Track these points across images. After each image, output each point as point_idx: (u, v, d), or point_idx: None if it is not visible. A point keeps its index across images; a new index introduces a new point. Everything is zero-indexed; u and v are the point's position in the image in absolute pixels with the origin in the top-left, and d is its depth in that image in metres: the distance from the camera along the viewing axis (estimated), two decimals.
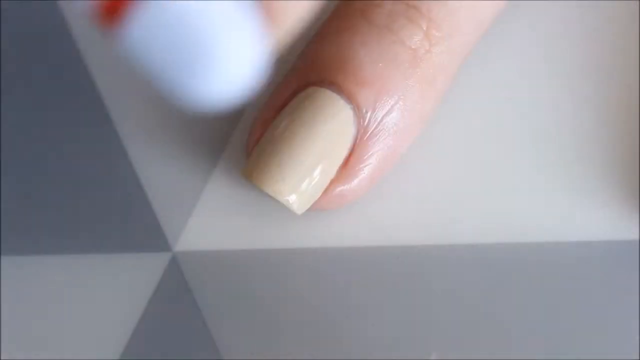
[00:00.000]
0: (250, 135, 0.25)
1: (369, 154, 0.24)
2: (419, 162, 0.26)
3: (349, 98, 0.23)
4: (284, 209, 0.26)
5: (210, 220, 0.26)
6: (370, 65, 0.23)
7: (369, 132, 0.24)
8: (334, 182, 0.24)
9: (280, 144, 0.23)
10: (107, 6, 0.14)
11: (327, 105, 0.23)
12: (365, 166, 0.24)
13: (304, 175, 0.23)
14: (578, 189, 0.26)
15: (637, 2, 0.28)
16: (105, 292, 0.25)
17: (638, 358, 0.23)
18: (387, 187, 0.26)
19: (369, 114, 0.23)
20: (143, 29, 0.14)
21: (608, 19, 0.28)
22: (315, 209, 0.24)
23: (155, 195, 0.26)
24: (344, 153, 0.24)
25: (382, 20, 0.24)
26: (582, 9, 0.28)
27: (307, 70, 0.24)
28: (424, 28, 0.24)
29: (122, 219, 0.26)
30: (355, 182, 0.24)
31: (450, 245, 0.25)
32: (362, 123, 0.23)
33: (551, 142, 0.26)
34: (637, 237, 0.25)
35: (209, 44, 0.14)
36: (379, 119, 0.24)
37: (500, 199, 0.26)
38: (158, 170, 0.27)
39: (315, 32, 0.25)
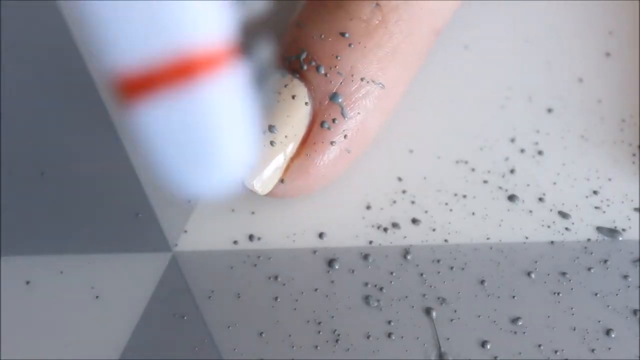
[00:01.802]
0: None
1: (324, 126, 0.24)
2: (420, 162, 0.26)
3: (302, 76, 0.24)
4: (282, 210, 0.26)
5: (210, 221, 0.26)
6: (320, 42, 0.24)
7: (324, 106, 0.24)
8: (293, 158, 0.24)
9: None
10: (128, 84, 0.15)
11: (281, 86, 0.24)
12: (323, 139, 0.24)
13: (261, 156, 0.23)
14: (578, 189, 0.26)
15: (637, 2, 0.29)
16: (105, 292, 0.25)
17: (638, 358, 0.23)
18: (384, 188, 0.26)
19: (320, 88, 0.24)
20: (152, 118, 0.15)
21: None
22: (286, 192, 0.24)
23: (156, 196, 0.26)
24: (302, 130, 0.24)
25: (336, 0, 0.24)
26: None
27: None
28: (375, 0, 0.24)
29: (122, 220, 0.26)
30: (315, 155, 0.24)
31: (449, 245, 0.25)
32: (315, 97, 0.24)
33: (551, 143, 0.26)
34: (637, 237, 0.25)
35: (211, 143, 0.15)
36: (330, 92, 0.24)
37: (500, 199, 0.26)
38: (159, 172, 0.27)
39: None
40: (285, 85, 0.24)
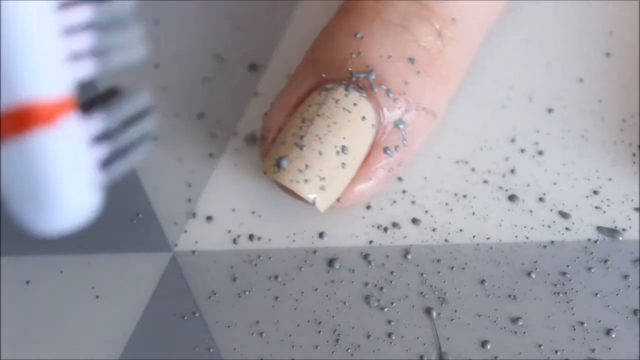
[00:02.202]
0: (265, 132, 0.25)
1: (387, 152, 0.24)
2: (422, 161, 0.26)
3: (370, 96, 0.23)
4: (282, 210, 0.26)
5: (210, 221, 0.26)
6: (390, 65, 0.23)
7: (388, 131, 0.24)
8: (354, 180, 0.24)
9: (304, 144, 0.23)
10: None
11: (349, 104, 0.23)
12: (383, 165, 0.24)
13: (327, 176, 0.23)
14: (578, 189, 0.26)
15: (637, 2, 0.29)
16: (105, 292, 0.25)
17: (638, 358, 0.23)
18: (384, 188, 0.26)
19: (388, 113, 0.24)
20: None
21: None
22: (336, 207, 0.24)
23: (156, 196, 0.26)
24: (364, 152, 0.24)
25: (398, 19, 0.24)
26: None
27: (323, 67, 0.24)
28: (437, 28, 0.24)
29: (122, 220, 0.26)
30: (373, 180, 0.24)
31: (449, 245, 0.25)
32: (381, 121, 0.24)
33: (551, 142, 0.26)
34: (637, 237, 0.25)
35: (50, 185, 0.17)
36: (396, 118, 0.24)
37: (500, 199, 0.26)
38: (159, 172, 0.27)
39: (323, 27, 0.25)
40: (355, 104, 0.23)
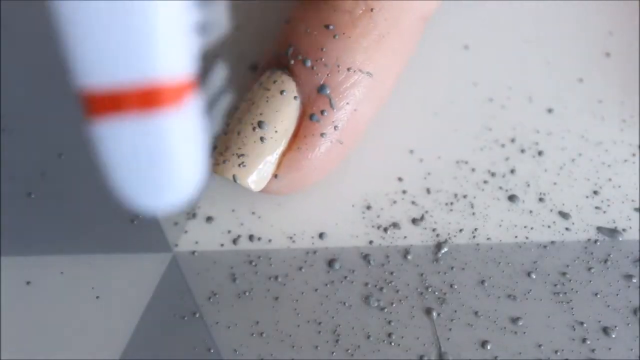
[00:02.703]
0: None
1: (314, 119, 0.24)
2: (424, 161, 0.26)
3: (290, 72, 0.24)
4: (282, 211, 0.26)
5: (210, 222, 0.26)
6: (306, 36, 0.24)
7: (312, 99, 0.24)
8: (285, 152, 0.24)
9: (227, 130, 0.24)
10: (91, 103, 0.17)
11: (269, 83, 0.24)
12: (312, 131, 0.24)
13: (245, 152, 0.23)
14: (578, 189, 0.26)
15: (637, 2, 0.29)
16: (105, 292, 0.25)
17: (638, 358, 0.23)
18: (384, 188, 0.26)
19: (306, 81, 0.24)
20: (113, 135, 0.17)
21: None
22: (281, 189, 0.24)
23: None
24: (290, 125, 0.24)
25: None
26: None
27: (265, 61, 0.25)
28: None
29: (122, 220, 0.26)
30: (306, 149, 0.24)
31: (449, 245, 0.25)
32: (304, 91, 0.24)
33: (551, 142, 0.26)
34: (637, 237, 0.25)
35: (168, 163, 0.17)
36: (317, 84, 0.24)
37: (500, 199, 0.26)
38: None
39: None
40: (274, 82, 0.24)
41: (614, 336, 0.24)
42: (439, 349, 0.24)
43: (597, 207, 0.25)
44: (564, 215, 0.25)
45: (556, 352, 0.23)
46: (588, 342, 0.24)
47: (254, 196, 0.26)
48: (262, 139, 0.23)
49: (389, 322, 0.24)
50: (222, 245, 0.26)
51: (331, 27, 0.24)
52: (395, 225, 0.25)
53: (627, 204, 0.25)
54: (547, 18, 0.28)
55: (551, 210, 0.25)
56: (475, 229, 0.25)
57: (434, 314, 0.24)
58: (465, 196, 0.26)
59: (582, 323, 0.24)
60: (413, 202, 0.26)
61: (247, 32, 0.29)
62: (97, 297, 0.25)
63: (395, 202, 0.26)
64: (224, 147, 0.24)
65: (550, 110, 0.27)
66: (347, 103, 0.24)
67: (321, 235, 0.25)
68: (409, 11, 0.25)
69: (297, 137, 0.24)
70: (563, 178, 0.26)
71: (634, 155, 0.26)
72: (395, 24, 0.24)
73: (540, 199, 0.26)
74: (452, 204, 0.26)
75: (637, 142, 0.26)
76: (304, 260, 0.25)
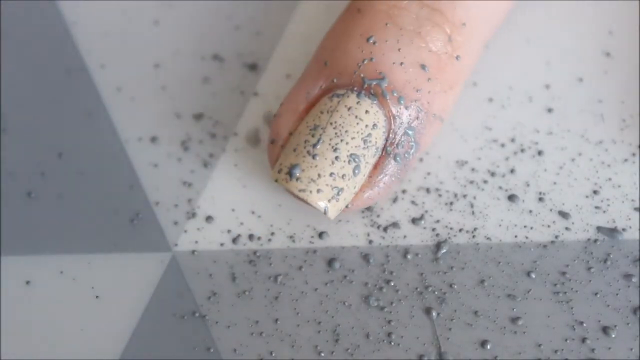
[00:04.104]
0: (275, 135, 0.24)
1: (397, 159, 0.24)
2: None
3: (381, 103, 0.23)
4: (282, 210, 0.26)
5: (210, 221, 0.26)
6: (402, 71, 0.23)
7: (398, 138, 0.24)
8: (363, 187, 0.24)
9: (316, 153, 0.23)
10: None
11: (361, 112, 0.23)
12: (393, 170, 0.24)
13: (339, 185, 0.23)
14: (578, 189, 0.26)
15: (637, 2, 0.29)
16: (105, 292, 0.25)
17: (638, 358, 0.23)
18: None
19: (399, 120, 0.23)
20: None
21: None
22: (343, 211, 0.24)
23: (156, 196, 0.26)
24: (375, 159, 0.24)
25: (410, 24, 0.23)
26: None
27: (335, 72, 0.24)
28: (448, 32, 0.24)
29: (122, 220, 0.26)
30: (383, 185, 0.24)
31: (449, 245, 0.25)
32: (392, 128, 0.23)
33: (551, 143, 0.26)
34: (637, 237, 0.25)
35: None
36: (407, 125, 0.24)
37: (500, 199, 0.26)
38: (159, 172, 0.27)
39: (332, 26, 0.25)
40: (366, 112, 0.23)
41: (613, 336, 0.24)
42: (439, 349, 0.24)
43: (597, 207, 0.25)
44: (563, 215, 0.25)
45: (556, 351, 0.23)
46: (588, 341, 0.24)
47: (254, 196, 0.26)
48: (354, 172, 0.23)
49: (389, 321, 0.24)
50: (222, 245, 0.26)
51: (427, 68, 0.23)
52: (395, 224, 0.25)
53: (626, 204, 0.25)
54: (547, 18, 0.28)
55: (551, 210, 0.25)
56: (475, 229, 0.25)
57: (434, 313, 0.24)
58: (465, 196, 0.26)
59: (581, 323, 0.24)
60: (413, 202, 0.26)
61: (247, 32, 0.29)
62: (97, 297, 0.25)
63: (395, 202, 0.26)
64: (315, 173, 0.23)
65: (550, 110, 0.27)
66: (423, 146, 0.24)
67: (321, 235, 0.25)
68: (479, 54, 0.25)
69: (376, 173, 0.24)
70: (563, 178, 0.26)
71: (634, 155, 0.26)
72: (467, 71, 0.25)
73: (540, 199, 0.26)
74: (452, 203, 0.26)
75: (637, 142, 0.26)
76: (304, 260, 0.25)
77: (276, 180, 0.23)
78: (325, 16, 0.26)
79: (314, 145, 0.23)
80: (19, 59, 0.29)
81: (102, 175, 0.27)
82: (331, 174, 0.23)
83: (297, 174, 0.23)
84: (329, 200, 0.23)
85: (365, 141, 0.23)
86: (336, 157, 0.23)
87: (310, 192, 0.23)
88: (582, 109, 0.27)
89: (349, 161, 0.23)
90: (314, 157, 0.23)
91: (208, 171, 0.27)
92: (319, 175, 0.23)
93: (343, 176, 0.23)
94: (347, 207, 0.24)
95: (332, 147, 0.23)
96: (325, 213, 0.23)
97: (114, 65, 0.29)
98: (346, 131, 0.23)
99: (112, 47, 0.29)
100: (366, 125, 0.23)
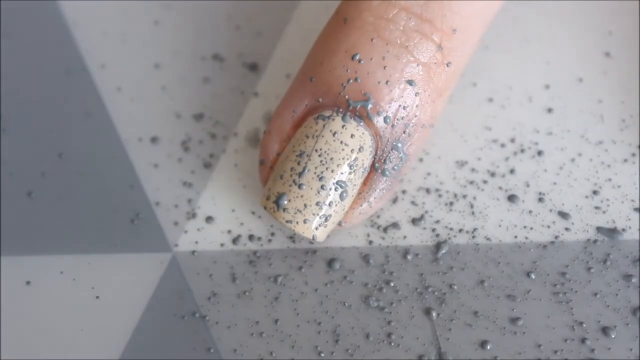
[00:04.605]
0: (264, 156, 0.24)
1: (387, 174, 0.24)
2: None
3: (368, 125, 0.23)
4: None
5: (210, 222, 0.26)
6: (387, 91, 0.23)
7: (386, 154, 0.23)
8: (354, 204, 0.24)
9: (302, 182, 0.23)
10: None
11: (346, 136, 0.23)
12: (383, 185, 0.24)
13: (326, 213, 0.23)
14: (578, 189, 0.26)
15: (637, 2, 0.29)
16: (105, 292, 0.25)
17: (638, 358, 0.23)
18: None
19: (386, 138, 0.23)
20: None
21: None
22: (336, 227, 0.24)
23: (156, 196, 0.26)
24: (363, 178, 0.23)
25: (397, 37, 0.23)
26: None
27: (320, 91, 0.23)
28: (437, 41, 0.23)
29: (122, 220, 0.26)
30: (373, 200, 0.24)
31: (449, 245, 0.25)
32: (379, 147, 0.23)
33: (551, 143, 0.26)
34: (637, 237, 0.25)
35: None
36: (394, 141, 0.23)
37: (500, 199, 0.26)
38: (159, 172, 0.27)
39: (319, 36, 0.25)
40: (352, 136, 0.23)
41: (613, 336, 0.24)
42: (439, 349, 0.24)
43: (596, 207, 0.25)
44: (563, 215, 0.25)
45: (556, 352, 0.23)
46: (587, 342, 0.24)
47: (254, 196, 0.26)
48: (341, 197, 0.23)
49: (389, 322, 0.24)
50: (222, 245, 0.26)
51: (414, 84, 0.23)
52: (395, 225, 0.25)
53: (626, 204, 0.25)
54: (547, 18, 0.28)
55: (551, 210, 0.25)
56: (475, 229, 0.25)
57: (434, 314, 0.24)
58: (465, 196, 0.26)
59: (581, 323, 0.24)
60: (413, 202, 0.26)
61: (247, 32, 0.29)
62: (97, 297, 0.25)
63: (395, 202, 0.26)
64: (301, 203, 0.23)
65: (550, 110, 0.27)
66: (413, 155, 0.24)
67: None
68: (467, 58, 0.25)
69: (366, 189, 0.24)
70: (563, 178, 0.26)
71: (633, 155, 0.26)
72: (458, 75, 0.24)
73: (540, 199, 0.26)
74: (451, 204, 0.26)
75: (637, 142, 0.26)
76: (304, 260, 0.25)
77: (265, 208, 0.23)
78: (325, 16, 0.26)
79: (300, 175, 0.23)
80: (19, 59, 0.29)
81: (102, 175, 0.27)
82: (317, 203, 0.23)
83: (284, 204, 0.23)
84: (316, 228, 0.23)
85: (351, 166, 0.23)
86: (322, 186, 0.23)
87: (297, 222, 0.23)
88: (582, 109, 0.27)
89: (335, 188, 0.23)
90: (299, 186, 0.23)
91: (208, 171, 0.27)
92: (305, 206, 0.23)
93: (330, 203, 0.23)
94: (340, 224, 0.24)
95: (318, 175, 0.23)
96: (314, 239, 0.23)
97: (114, 65, 0.29)
98: (331, 158, 0.23)
99: (112, 47, 0.29)
100: (352, 150, 0.23)
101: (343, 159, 0.23)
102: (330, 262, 0.25)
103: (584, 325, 0.24)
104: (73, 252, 0.26)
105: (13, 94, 0.28)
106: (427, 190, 0.26)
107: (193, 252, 0.25)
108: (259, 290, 0.25)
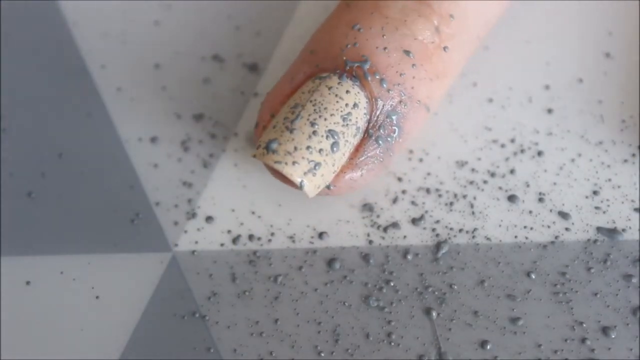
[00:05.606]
0: (259, 119, 0.24)
1: (379, 142, 0.24)
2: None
3: (363, 85, 0.23)
4: (282, 211, 0.26)
5: (210, 222, 0.26)
6: (385, 55, 0.24)
7: (380, 121, 0.24)
8: (344, 168, 0.24)
9: (294, 127, 0.23)
10: None
11: (342, 91, 0.23)
12: (374, 154, 0.24)
13: (316, 159, 0.23)
14: (578, 189, 0.26)
15: (637, 2, 0.29)
16: (105, 292, 0.25)
17: (638, 358, 0.23)
18: (384, 188, 0.26)
19: (381, 102, 0.24)
20: None
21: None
22: (325, 194, 0.24)
23: (156, 196, 0.26)
24: (355, 140, 0.23)
25: (396, 14, 0.24)
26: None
27: (319, 58, 0.24)
28: (435, 24, 0.24)
29: (122, 220, 0.26)
30: (364, 169, 0.24)
31: (449, 245, 0.25)
32: (374, 110, 0.24)
33: (551, 143, 0.26)
34: (637, 237, 0.25)
35: None
36: (389, 108, 0.24)
37: (500, 199, 0.26)
38: (159, 172, 0.27)
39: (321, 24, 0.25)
40: (347, 92, 0.23)
41: (613, 336, 0.24)
42: (439, 349, 0.24)
43: (596, 207, 0.25)
44: (563, 215, 0.25)
45: (556, 352, 0.23)
46: (588, 342, 0.24)
47: (254, 196, 0.26)
48: (332, 149, 0.23)
49: (389, 322, 0.24)
50: (222, 245, 0.26)
51: (411, 55, 0.24)
52: (395, 225, 0.25)
53: (626, 204, 0.25)
54: (547, 18, 0.28)
55: (551, 211, 0.25)
56: (475, 229, 0.25)
57: (434, 313, 0.24)
58: (465, 196, 0.26)
59: (581, 323, 0.24)
60: (413, 202, 0.26)
61: (247, 32, 0.29)
62: (97, 297, 0.25)
63: (395, 202, 0.26)
64: (291, 146, 0.23)
65: (550, 110, 0.27)
66: (407, 133, 0.24)
67: (321, 235, 0.25)
68: (471, 49, 0.25)
69: (357, 155, 0.24)
70: (563, 178, 0.26)
71: (633, 155, 0.26)
72: (458, 64, 0.25)
73: (540, 199, 0.26)
74: (452, 204, 0.26)
75: (636, 143, 0.26)
76: (304, 260, 0.25)
77: (254, 156, 0.23)
78: (325, 17, 0.26)
79: (292, 121, 0.23)
80: (19, 59, 0.29)
81: (102, 175, 0.27)
82: (308, 147, 0.23)
83: (274, 147, 0.23)
84: (304, 174, 0.23)
85: (344, 119, 0.23)
86: (314, 132, 0.23)
87: (286, 163, 0.22)
88: (582, 110, 0.27)
89: (327, 137, 0.23)
90: (291, 131, 0.23)
91: (208, 171, 0.27)
92: (295, 148, 0.23)
93: (320, 151, 0.23)
94: (329, 188, 0.24)
95: (310, 122, 0.23)
96: (301, 187, 0.23)
97: (114, 66, 0.29)
98: (325, 108, 0.23)
99: (112, 48, 0.29)
100: (346, 104, 0.23)
101: (337, 110, 0.23)
102: (330, 262, 0.25)
103: (584, 325, 0.24)
104: (73, 252, 0.26)
105: (13, 94, 0.28)
106: (427, 190, 0.26)
107: (193, 252, 0.25)
108: (259, 290, 0.25)
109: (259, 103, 0.28)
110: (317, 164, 0.23)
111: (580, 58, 0.28)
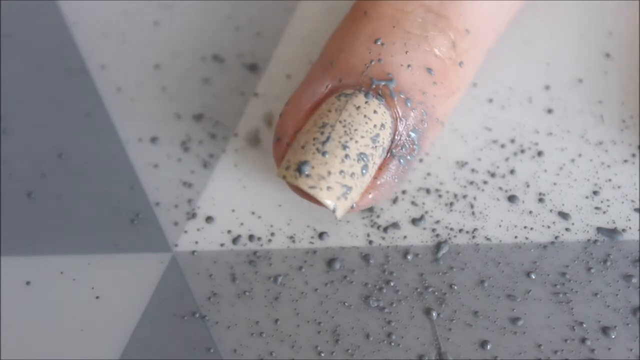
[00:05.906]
0: (280, 134, 0.24)
1: (401, 161, 0.24)
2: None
3: (389, 104, 0.23)
4: (282, 211, 0.26)
5: (210, 222, 0.26)
6: (409, 74, 0.23)
7: (403, 140, 0.24)
8: (369, 187, 0.24)
9: (326, 150, 0.22)
10: None
11: (369, 111, 0.23)
12: (397, 171, 0.24)
13: (348, 184, 0.23)
14: (578, 189, 0.26)
15: (637, 2, 0.29)
16: (105, 292, 0.25)
17: (638, 358, 0.23)
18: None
19: (404, 121, 0.23)
20: None
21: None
22: (349, 212, 0.24)
23: (156, 197, 0.26)
24: (380, 160, 0.23)
25: (416, 29, 0.24)
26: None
27: (343, 72, 0.24)
28: (452, 39, 0.24)
29: (122, 220, 0.26)
30: (386, 187, 0.24)
31: (449, 245, 0.25)
32: (398, 130, 0.23)
33: (551, 143, 0.27)
34: (637, 237, 0.25)
35: None
36: (411, 127, 0.24)
37: (500, 199, 0.26)
38: (159, 172, 0.27)
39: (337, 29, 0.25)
40: (375, 112, 0.23)
41: (613, 336, 0.24)
42: (439, 349, 0.24)
43: (597, 208, 0.25)
44: (563, 215, 0.25)
45: (556, 352, 0.23)
46: (588, 342, 0.24)
47: (254, 196, 0.26)
48: (363, 172, 0.23)
49: (389, 322, 0.24)
50: (222, 245, 0.26)
51: (433, 72, 0.24)
52: (395, 225, 0.25)
53: (626, 205, 0.25)
54: (547, 18, 0.28)
55: (551, 211, 0.25)
56: (475, 230, 0.25)
57: (434, 314, 0.24)
58: (465, 196, 0.26)
59: (581, 323, 0.24)
60: (413, 203, 0.26)
61: (247, 32, 0.29)
62: (97, 297, 0.25)
63: (395, 202, 0.26)
64: (325, 170, 0.22)
65: (550, 111, 0.27)
66: (424, 149, 0.24)
67: (321, 235, 0.25)
68: (478, 65, 0.25)
69: (381, 175, 0.24)
70: (563, 178, 0.26)
71: (633, 155, 0.26)
72: (468, 77, 0.25)
73: (540, 200, 0.26)
74: (452, 204, 0.26)
75: (637, 142, 0.26)
76: (304, 260, 0.25)
77: (284, 177, 0.23)
78: (325, 17, 0.26)
79: (324, 143, 0.22)
80: (19, 59, 0.29)
81: (102, 175, 0.27)
82: (341, 172, 0.22)
83: (307, 171, 0.22)
84: (337, 199, 0.22)
85: (373, 140, 0.23)
86: (346, 155, 0.22)
87: (321, 189, 0.22)
88: (582, 110, 0.27)
89: (358, 160, 0.23)
90: (323, 154, 0.22)
91: (208, 172, 0.27)
92: (329, 173, 0.22)
93: (352, 175, 0.23)
94: (351, 207, 0.24)
95: (342, 144, 0.22)
96: (333, 211, 0.23)
97: (114, 66, 0.29)
98: (355, 129, 0.23)
99: (112, 48, 0.29)
100: (374, 125, 0.23)
101: (367, 132, 0.23)
102: (330, 262, 0.25)
103: (584, 325, 0.24)
104: (73, 252, 0.26)
105: (13, 94, 0.28)
106: (427, 191, 0.26)
107: (193, 252, 0.25)
108: (259, 290, 0.25)
109: (259, 103, 0.28)
110: (349, 189, 0.23)
111: (580, 58, 0.28)
